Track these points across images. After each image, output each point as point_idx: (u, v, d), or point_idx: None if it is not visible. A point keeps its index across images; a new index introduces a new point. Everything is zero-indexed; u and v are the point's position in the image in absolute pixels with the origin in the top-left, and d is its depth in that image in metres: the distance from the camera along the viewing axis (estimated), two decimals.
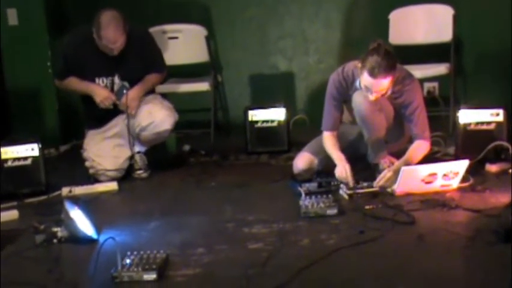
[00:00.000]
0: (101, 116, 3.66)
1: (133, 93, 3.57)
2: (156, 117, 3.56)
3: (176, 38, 4.59)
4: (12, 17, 4.50)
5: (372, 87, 2.93)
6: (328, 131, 3.22)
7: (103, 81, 3.59)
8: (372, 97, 2.98)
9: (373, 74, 2.88)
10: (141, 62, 3.59)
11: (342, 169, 3.04)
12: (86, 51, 3.52)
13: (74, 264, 2.39)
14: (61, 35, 4.51)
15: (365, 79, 2.94)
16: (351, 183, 2.97)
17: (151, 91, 3.76)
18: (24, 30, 4.54)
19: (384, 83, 2.92)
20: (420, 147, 3.11)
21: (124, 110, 3.58)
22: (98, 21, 3.37)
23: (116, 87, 3.60)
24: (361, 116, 3.12)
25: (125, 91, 3.57)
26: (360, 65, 2.97)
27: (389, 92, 3.00)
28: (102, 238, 2.56)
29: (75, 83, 3.64)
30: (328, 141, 3.21)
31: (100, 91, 3.57)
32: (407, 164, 3.00)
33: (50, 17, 4.63)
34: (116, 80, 3.60)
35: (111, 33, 3.35)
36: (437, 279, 2.06)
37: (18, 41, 4.54)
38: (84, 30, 3.53)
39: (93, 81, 3.59)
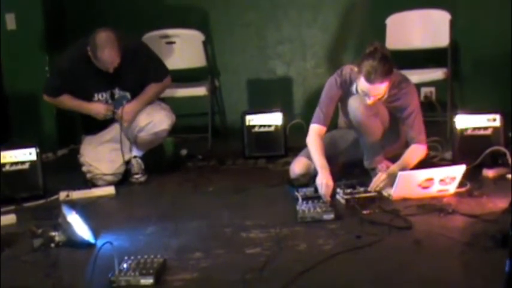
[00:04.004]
0: (99, 124, 3.67)
1: (129, 106, 3.59)
2: (155, 117, 3.60)
3: (173, 42, 4.61)
4: (10, 21, 4.51)
5: (368, 92, 2.94)
6: (318, 124, 3.15)
7: (102, 96, 3.60)
8: (369, 101, 2.99)
9: (369, 79, 2.89)
10: (137, 74, 3.59)
11: (324, 183, 2.91)
12: (83, 68, 3.51)
13: (71, 269, 2.39)
14: (59, 40, 4.52)
15: (362, 84, 2.95)
16: (327, 199, 2.88)
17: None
18: (22, 35, 4.54)
19: (381, 88, 2.93)
20: (416, 151, 3.12)
21: (118, 121, 3.59)
22: (93, 43, 3.38)
23: (116, 96, 3.61)
24: (357, 120, 3.13)
25: (124, 102, 3.58)
26: (356, 69, 2.98)
27: (386, 96, 3.01)
28: (99, 242, 2.56)
29: (69, 102, 3.65)
30: (314, 140, 3.12)
31: (97, 109, 3.58)
32: (403, 168, 3.00)
33: (48, 21, 4.64)
34: (117, 91, 3.61)
35: (106, 54, 3.38)
36: (434, 284, 2.06)
37: (16, 46, 4.55)
38: (78, 47, 3.52)
39: (92, 96, 3.59)
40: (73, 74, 3.55)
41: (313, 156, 3.11)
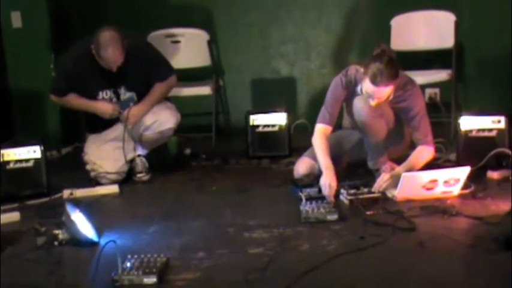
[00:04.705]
0: (103, 123, 3.68)
1: (136, 109, 3.59)
2: (160, 116, 3.61)
3: (178, 42, 4.61)
4: (16, 19, 4.52)
5: (373, 94, 2.94)
6: (324, 124, 3.15)
7: (107, 94, 3.61)
8: (373, 103, 2.98)
9: (375, 81, 2.89)
10: (142, 72, 3.59)
11: (327, 184, 2.91)
12: (87, 67, 3.52)
13: (74, 267, 2.39)
14: (64, 38, 4.53)
15: (367, 86, 2.94)
16: (331, 200, 2.88)
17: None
18: (27, 33, 4.55)
19: (386, 91, 2.93)
20: (423, 152, 3.12)
21: (123, 122, 3.60)
22: (97, 41, 3.39)
23: (122, 97, 3.62)
24: (361, 121, 3.12)
25: (131, 104, 3.59)
26: (362, 70, 2.98)
27: (390, 98, 3.01)
28: (102, 241, 2.57)
29: (75, 101, 3.66)
30: (319, 140, 3.11)
31: (104, 108, 3.59)
32: (410, 169, 3.00)
33: (54, 19, 4.65)
34: (122, 91, 3.62)
35: (110, 54, 3.39)
36: (437, 286, 2.06)
37: (21, 44, 4.56)
38: (82, 45, 3.53)
39: (97, 95, 3.60)
40: (77, 73, 3.56)
41: (318, 156, 3.11)
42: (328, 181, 2.93)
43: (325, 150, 3.09)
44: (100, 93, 3.61)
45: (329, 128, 3.17)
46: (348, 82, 3.16)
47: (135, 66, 3.54)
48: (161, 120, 3.60)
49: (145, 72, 3.61)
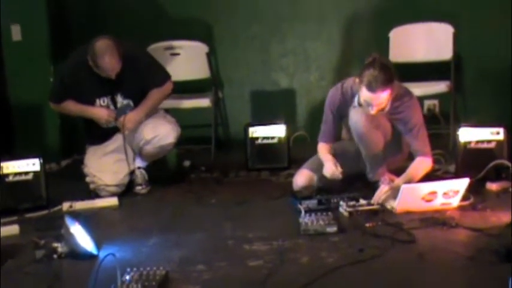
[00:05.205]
0: (103, 134, 3.69)
1: (132, 115, 3.60)
2: (161, 131, 3.61)
3: (178, 54, 4.62)
4: (16, 32, 4.53)
5: (371, 101, 2.95)
6: (322, 142, 3.29)
7: (104, 101, 3.63)
8: (372, 111, 2.99)
9: (371, 88, 2.90)
10: (138, 79, 3.61)
11: (331, 165, 3.12)
12: (83, 74, 3.55)
13: (73, 280, 2.39)
14: (64, 51, 4.54)
15: (364, 94, 2.95)
16: (339, 176, 3.10)
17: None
18: (27, 46, 4.56)
19: (383, 96, 2.94)
20: (421, 164, 3.12)
21: (120, 128, 3.61)
22: (93, 51, 3.42)
23: (119, 105, 3.64)
24: (358, 133, 3.13)
25: (127, 111, 3.60)
26: (357, 80, 2.99)
27: (388, 106, 3.01)
28: (102, 254, 2.56)
29: (72, 107, 3.69)
30: (321, 152, 3.28)
31: (100, 114, 3.61)
32: (408, 180, 3.00)
33: (54, 33, 4.66)
34: (119, 98, 3.63)
35: (107, 62, 3.42)
36: None
37: (21, 57, 4.56)
38: (80, 53, 3.56)
39: (94, 102, 3.62)
40: (74, 81, 3.59)
41: (320, 157, 3.26)
42: (330, 163, 3.14)
43: (327, 151, 3.26)
44: (97, 100, 3.63)
45: (328, 145, 3.29)
46: (341, 94, 3.20)
47: (131, 73, 3.56)
48: (161, 135, 3.60)
49: (141, 79, 3.63)
